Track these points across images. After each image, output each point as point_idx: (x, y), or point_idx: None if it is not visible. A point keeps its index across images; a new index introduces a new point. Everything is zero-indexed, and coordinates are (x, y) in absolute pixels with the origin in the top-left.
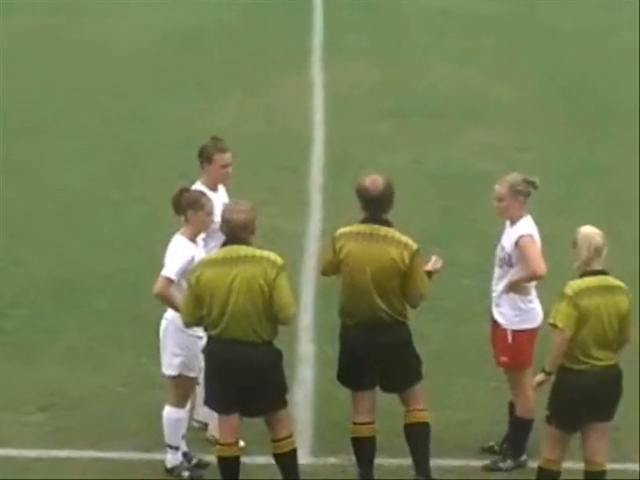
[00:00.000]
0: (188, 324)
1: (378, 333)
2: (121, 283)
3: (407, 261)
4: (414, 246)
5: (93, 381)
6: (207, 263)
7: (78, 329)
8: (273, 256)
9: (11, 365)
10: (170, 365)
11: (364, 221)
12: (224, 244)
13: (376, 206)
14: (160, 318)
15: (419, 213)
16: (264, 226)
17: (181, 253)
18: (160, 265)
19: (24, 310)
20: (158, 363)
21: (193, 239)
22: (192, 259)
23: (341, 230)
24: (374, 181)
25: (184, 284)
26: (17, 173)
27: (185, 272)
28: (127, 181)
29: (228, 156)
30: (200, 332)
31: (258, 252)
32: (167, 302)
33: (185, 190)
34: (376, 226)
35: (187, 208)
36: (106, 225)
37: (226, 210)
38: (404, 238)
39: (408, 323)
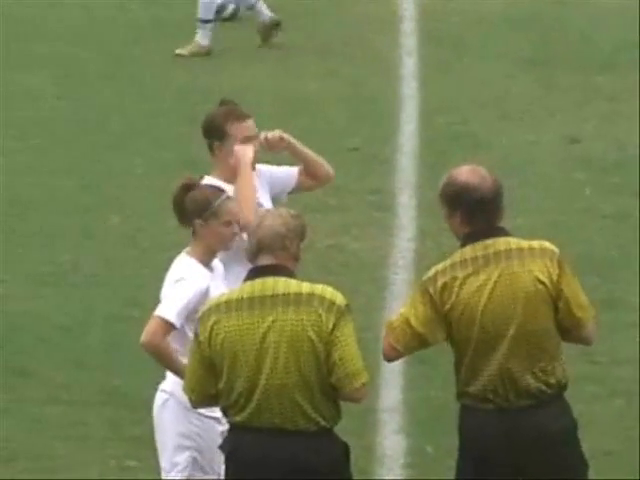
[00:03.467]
0: (196, 403)
1: (526, 416)
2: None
3: (555, 276)
4: (556, 250)
5: None
6: (224, 306)
7: None
8: (330, 293)
9: None
10: (173, 465)
11: (472, 237)
12: (251, 275)
13: (491, 211)
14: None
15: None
16: (320, 248)
17: (188, 284)
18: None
19: None
20: (149, 464)
21: (206, 262)
22: (205, 292)
23: (436, 269)
24: (481, 176)
25: (190, 334)
26: None
27: (193, 313)
28: None
29: (249, 124)
30: (218, 412)
31: (306, 287)
32: (163, 360)
33: (191, 186)
34: (492, 240)
35: (194, 215)
36: None
37: (254, 221)
38: (536, 243)
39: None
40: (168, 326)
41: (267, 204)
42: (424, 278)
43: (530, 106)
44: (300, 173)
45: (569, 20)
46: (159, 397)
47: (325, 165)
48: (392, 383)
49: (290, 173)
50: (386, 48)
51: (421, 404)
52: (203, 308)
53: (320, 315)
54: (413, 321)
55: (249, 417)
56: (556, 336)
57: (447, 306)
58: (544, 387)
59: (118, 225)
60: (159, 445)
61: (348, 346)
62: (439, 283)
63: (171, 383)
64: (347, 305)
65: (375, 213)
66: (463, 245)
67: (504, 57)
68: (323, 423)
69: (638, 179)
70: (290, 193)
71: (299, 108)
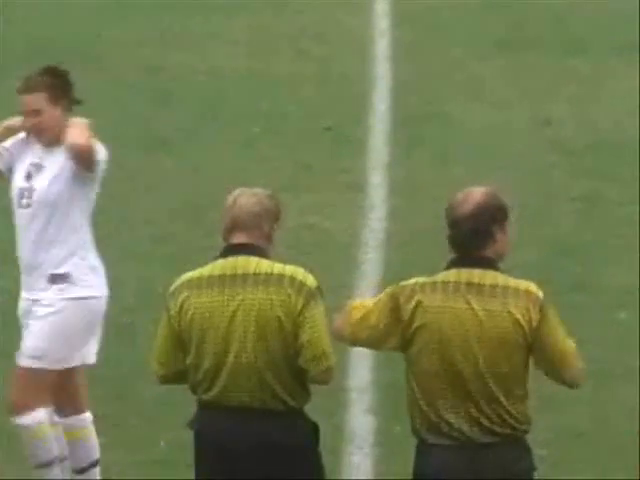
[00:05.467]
0: (163, 379)
1: (483, 456)
2: None
3: (535, 322)
4: (540, 294)
5: None
6: (196, 282)
7: None
8: (301, 274)
9: None
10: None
11: (458, 262)
12: (223, 253)
13: (471, 238)
14: None
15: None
16: (292, 228)
17: None
18: None
19: None
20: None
21: None
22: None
23: (416, 282)
24: (465, 199)
25: None
26: None
27: None
28: None
29: (24, 100)
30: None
31: (277, 268)
32: None
33: None
34: (478, 271)
35: None
36: None
37: (229, 200)
38: (523, 283)
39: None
40: None
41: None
42: (400, 285)
43: (502, 88)
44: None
45: (542, 2)
46: None
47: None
48: (362, 363)
49: None
50: (359, 29)
51: (390, 385)
52: (175, 283)
53: (289, 296)
54: (373, 316)
55: (217, 395)
56: (523, 379)
57: (414, 325)
58: (507, 428)
59: None
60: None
61: (316, 328)
62: (414, 300)
63: None
64: (318, 287)
65: (346, 193)
66: (448, 268)
67: (477, 38)
68: (292, 403)
69: (609, 162)
70: None
71: (271, 88)
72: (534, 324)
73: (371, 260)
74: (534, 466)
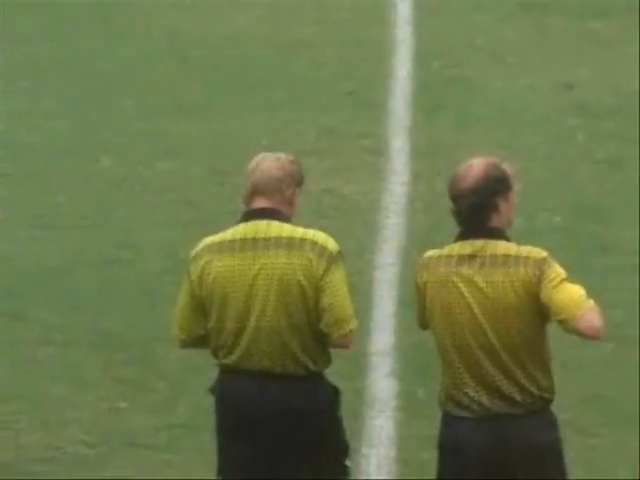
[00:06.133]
0: (184, 343)
1: (504, 427)
2: None
3: (536, 283)
4: (540, 254)
5: None
6: (217, 246)
7: None
8: (323, 238)
9: None
10: None
11: (459, 237)
12: (244, 217)
13: (474, 212)
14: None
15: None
16: (312, 192)
17: None
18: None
19: None
20: (140, 406)
21: None
22: None
23: (422, 257)
24: (467, 170)
25: None
26: None
27: None
28: None
29: None
30: None
31: (299, 232)
32: None
33: None
34: (481, 242)
35: None
36: None
37: (251, 164)
38: (525, 250)
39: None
40: None
41: None
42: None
43: (525, 51)
44: None
45: None
46: None
47: None
48: (384, 326)
49: None
50: None
51: (413, 348)
52: (196, 247)
53: (311, 260)
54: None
55: (238, 360)
56: (541, 347)
57: (426, 302)
58: (528, 397)
59: (110, 168)
60: None
61: (338, 292)
62: (423, 277)
63: None
64: (339, 251)
65: (368, 157)
66: (455, 241)
67: (499, 1)
68: (313, 367)
69: (633, 125)
70: None
71: (292, 53)
72: (536, 286)
73: (393, 224)
74: (560, 438)
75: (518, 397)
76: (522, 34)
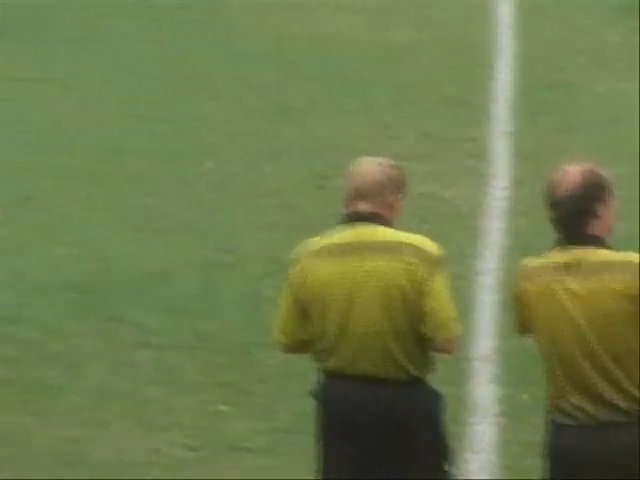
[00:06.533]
0: (287, 348)
1: (608, 434)
2: None
3: (637, 289)
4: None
5: None
6: (318, 250)
7: None
8: (426, 243)
9: None
10: None
11: (557, 244)
12: (345, 221)
13: (572, 219)
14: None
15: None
16: (413, 196)
17: None
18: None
19: None
20: (241, 409)
21: None
22: None
23: (520, 265)
24: (563, 176)
25: None
26: None
27: None
28: None
29: None
30: None
31: (402, 237)
32: None
33: None
34: (580, 249)
35: None
36: None
37: (353, 168)
38: (624, 256)
39: None
40: None
41: None
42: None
43: (627, 54)
44: None
45: None
46: None
47: None
48: (485, 331)
49: None
50: None
51: (515, 353)
52: (297, 250)
53: (414, 264)
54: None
55: (341, 365)
56: None
57: (526, 311)
58: (632, 404)
59: (213, 170)
60: None
61: (441, 296)
62: (522, 286)
63: None
64: (442, 256)
65: (469, 161)
66: (553, 248)
67: (601, 5)
68: (415, 372)
69: None
70: None
71: (393, 57)
72: (637, 292)
73: (495, 229)
74: None
75: (622, 404)
76: (624, 37)
